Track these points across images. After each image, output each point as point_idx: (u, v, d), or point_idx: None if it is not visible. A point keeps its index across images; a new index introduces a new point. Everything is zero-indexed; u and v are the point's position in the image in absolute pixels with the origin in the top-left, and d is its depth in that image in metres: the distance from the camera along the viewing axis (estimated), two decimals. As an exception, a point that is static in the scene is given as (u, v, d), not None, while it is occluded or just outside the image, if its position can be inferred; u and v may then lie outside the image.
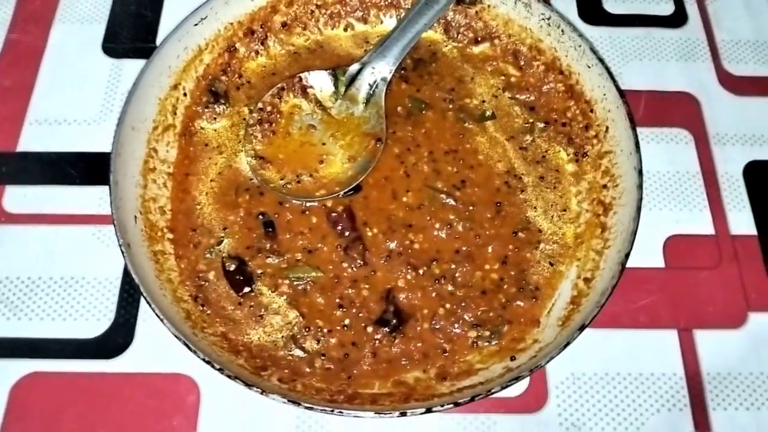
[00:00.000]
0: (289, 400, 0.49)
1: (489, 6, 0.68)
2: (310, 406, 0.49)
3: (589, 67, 0.63)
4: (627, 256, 0.54)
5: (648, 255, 0.64)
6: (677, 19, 0.77)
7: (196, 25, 0.64)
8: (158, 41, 0.73)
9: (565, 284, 0.59)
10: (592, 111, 0.63)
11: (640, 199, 0.56)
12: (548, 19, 0.65)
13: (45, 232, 0.64)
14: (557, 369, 0.59)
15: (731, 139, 0.70)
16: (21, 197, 0.65)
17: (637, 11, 0.78)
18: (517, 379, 0.50)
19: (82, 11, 0.76)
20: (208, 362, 0.50)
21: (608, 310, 0.60)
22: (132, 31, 0.74)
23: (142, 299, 0.60)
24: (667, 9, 0.78)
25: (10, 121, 0.69)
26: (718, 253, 0.65)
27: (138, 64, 0.62)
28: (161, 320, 0.51)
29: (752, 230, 0.66)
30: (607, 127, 0.62)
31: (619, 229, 0.57)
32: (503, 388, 0.50)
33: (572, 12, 0.77)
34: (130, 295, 0.61)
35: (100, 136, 0.67)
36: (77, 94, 0.70)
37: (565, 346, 0.51)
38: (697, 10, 0.78)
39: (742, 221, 0.66)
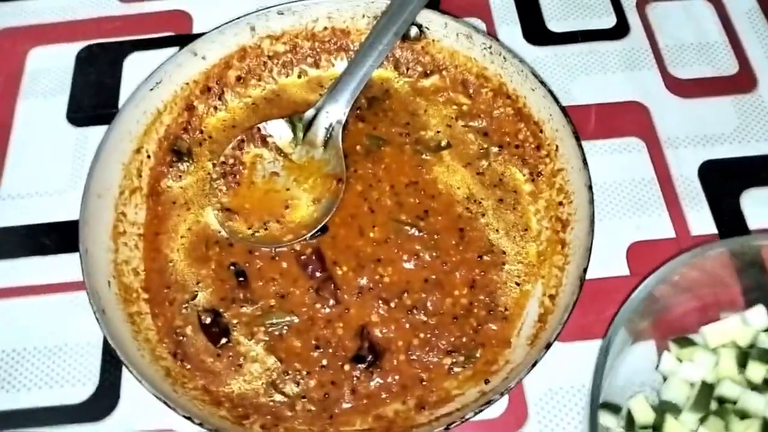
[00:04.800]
0: (270, 446, 0.50)
1: (433, 40, 0.69)
2: (291, 449, 0.50)
3: (533, 89, 0.64)
4: (585, 270, 0.55)
5: (612, 264, 0.65)
6: (619, 31, 0.78)
7: (152, 89, 0.65)
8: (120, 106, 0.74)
9: (532, 303, 0.60)
10: (541, 131, 0.65)
11: (593, 214, 0.58)
12: (490, 47, 0.66)
13: (25, 304, 0.65)
14: (534, 386, 0.60)
15: (683, 142, 0.71)
16: (-1, 272, 0.67)
17: (580, 27, 0.79)
18: (489, 402, 0.51)
19: (44, 85, 0.77)
20: (188, 418, 0.51)
21: (579, 322, 0.62)
22: (94, 99, 0.75)
23: (124, 360, 0.61)
24: (609, 21, 0.79)
25: (-18, 198, 0.70)
26: (680, 254, 0.66)
27: (102, 130, 0.63)
28: (139, 381, 0.52)
29: (712, 229, 0.66)
30: (557, 146, 0.63)
31: (577, 244, 0.58)
32: (476, 413, 0.51)
33: (517, 35, 0.78)
34: (112, 357, 0.61)
35: (71, 205, 0.66)
36: (46, 166, 0.72)
37: (533, 365, 0.52)
38: (638, 19, 0.79)
39: (701, 221, 0.67)
